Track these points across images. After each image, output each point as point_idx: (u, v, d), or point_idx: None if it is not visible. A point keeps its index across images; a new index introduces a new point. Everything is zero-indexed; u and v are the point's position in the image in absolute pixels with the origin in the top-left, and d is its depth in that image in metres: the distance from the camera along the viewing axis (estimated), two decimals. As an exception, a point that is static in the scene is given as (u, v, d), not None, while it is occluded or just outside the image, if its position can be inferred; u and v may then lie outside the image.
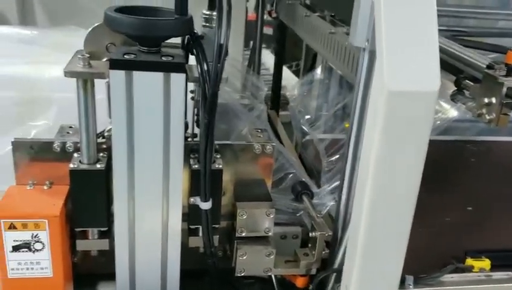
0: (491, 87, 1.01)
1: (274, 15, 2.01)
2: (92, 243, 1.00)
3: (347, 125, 1.46)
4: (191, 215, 1.01)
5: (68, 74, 0.85)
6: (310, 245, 1.10)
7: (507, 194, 1.50)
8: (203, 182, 0.94)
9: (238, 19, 1.86)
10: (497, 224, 1.39)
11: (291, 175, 1.29)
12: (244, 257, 1.04)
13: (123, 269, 0.98)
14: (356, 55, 1.20)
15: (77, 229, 0.98)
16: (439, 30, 1.62)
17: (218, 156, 1.01)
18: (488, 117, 1.01)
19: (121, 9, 0.87)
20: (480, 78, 1.06)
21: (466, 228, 1.37)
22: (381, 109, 0.79)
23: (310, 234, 1.08)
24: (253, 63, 2.12)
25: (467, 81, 1.09)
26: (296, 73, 2.87)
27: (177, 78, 0.86)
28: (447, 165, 1.44)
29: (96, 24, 0.95)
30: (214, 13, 0.93)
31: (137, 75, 0.84)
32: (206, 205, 0.97)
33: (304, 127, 1.75)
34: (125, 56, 0.85)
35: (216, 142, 1.02)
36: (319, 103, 2.06)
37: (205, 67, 0.86)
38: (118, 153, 0.89)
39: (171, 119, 0.89)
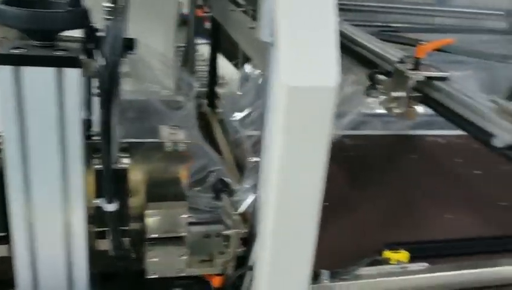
0: (399, 81, 1.02)
1: (206, 10, 1.98)
2: (-10, 250, 0.94)
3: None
4: (97, 217, 0.97)
5: None
6: (226, 243, 1.08)
7: (426, 188, 1.54)
8: (106, 182, 0.90)
9: (168, 14, 1.82)
10: (417, 217, 1.43)
11: (213, 173, 1.27)
12: (156, 259, 1.00)
13: (24, 274, 0.93)
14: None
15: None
16: (363, 26, 1.64)
17: (125, 155, 0.98)
18: (396, 111, 1.02)
19: (11, 1, 0.82)
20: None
21: (386, 221, 1.40)
22: (281, 104, 0.77)
23: (225, 232, 1.06)
24: (188, 60, 2.08)
25: (379, 75, 1.10)
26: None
27: (71, 74, 0.82)
28: (368, 160, 1.46)
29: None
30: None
31: (26, 70, 0.80)
32: (111, 207, 0.93)
33: (234, 124, 1.73)
34: (12, 50, 0.79)
35: (125, 140, 0.99)
36: (252, 99, 2.04)
37: (102, 62, 0.82)
38: (10, 155, 0.84)
39: (66, 117, 0.84)
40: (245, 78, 2.17)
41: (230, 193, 1.19)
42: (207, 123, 1.98)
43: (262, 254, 0.90)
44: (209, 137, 1.80)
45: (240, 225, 1.05)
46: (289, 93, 0.76)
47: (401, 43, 1.45)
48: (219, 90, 2.04)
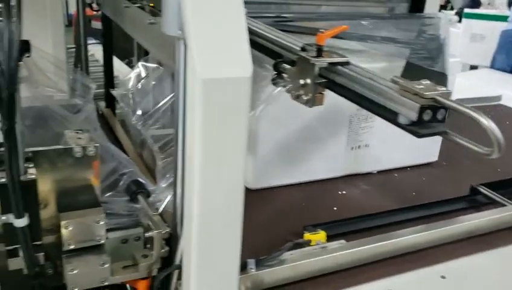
0: (304, 69, 1.05)
1: (96, 8, 1.90)
2: None
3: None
4: (6, 235, 0.89)
5: None
6: (148, 246, 1.05)
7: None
8: (13, 196, 0.83)
9: (55, 14, 1.72)
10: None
11: (125, 176, 1.23)
12: (75, 271, 0.95)
13: None
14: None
15: None
16: (261, 17, 1.67)
17: (30, 165, 0.91)
18: (305, 98, 1.06)
19: None
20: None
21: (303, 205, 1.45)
22: (196, 97, 0.77)
23: (147, 234, 1.03)
24: (80, 61, 1.99)
25: (284, 64, 1.13)
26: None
27: (-38, 81, 0.74)
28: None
29: None
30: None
31: None
32: (21, 222, 0.86)
33: (136, 125, 1.68)
34: None
35: (28, 149, 0.92)
36: (154, 97, 2.00)
37: (-4, 66, 0.75)
38: None
39: (-38, 129, 0.76)
40: (140, 77, 2.11)
41: (147, 194, 1.16)
42: (108, 125, 1.91)
43: (189, 252, 0.89)
44: (113, 139, 1.74)
45: (161, 226, 1.03)
46: (204, 86, 0.76)
47: (299, 33, 1.51)
48: (115, 90, 1.97)
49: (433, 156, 1.75)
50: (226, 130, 0.80)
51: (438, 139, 1.70)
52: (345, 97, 1.04)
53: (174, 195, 1.07)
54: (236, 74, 0.78)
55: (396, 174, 1.66)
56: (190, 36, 0.75)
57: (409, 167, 1.71)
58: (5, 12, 0.74)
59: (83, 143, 0.99)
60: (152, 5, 1.51)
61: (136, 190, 1.17)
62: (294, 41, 1.17)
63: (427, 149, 1.72)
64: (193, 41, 0.75)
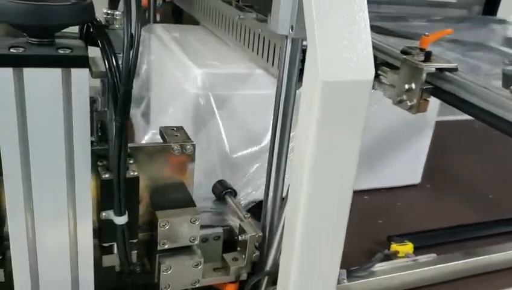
0: (410, 74, 1.00)
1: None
2: (-18, 277, 0.83)
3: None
4: (103, 231, 0.88)
5: None
6: (238, 249, 1.02)
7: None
8: (117, 193, 0.82)
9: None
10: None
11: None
12: (169, 271, 0.93)
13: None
14: (273, 43, 1.14)
15: (-39, 263, 0.81)
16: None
17: (131, 162, 0.89)
18: (409, 104, 1.00)
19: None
20: (396, 64, 1.05)
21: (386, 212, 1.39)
22: (316, 100, 0.72)
23: (240, 237, 1.00)
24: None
25: (383, 67, 1.07)
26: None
27: (79, 74, 0.72)
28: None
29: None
30: (117, 12, 0.82)
31: (29, 72, 0.70)
32: (121, 220, 0.85)
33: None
34: (11, 50, 0.69)
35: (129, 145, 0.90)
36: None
37: (114, 60, 0.74)
38: (9, 167, 0.74)
39: (74, 122, 0.75)
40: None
41: (234, 193, 1.14)
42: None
43: (289, 259, 0.86)
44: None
45: (254, 229, 1.00)
46: (326, 88, 0.71)
47: (385, 34, 1.45)
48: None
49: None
50: (342, 134, 0.76)
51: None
52: (453, 105, 0.97)
53: (265, 198, 1.04)
54: (358, 77, 0.73)
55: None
56: (313, 36, 0.71)
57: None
58: (125, 8, 0.72)
59: (180, 140, 0.97)
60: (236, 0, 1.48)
61: (224, 190, 1.15)
62: (392, 44, 1.11)
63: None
64: (317, 42, 0.71)
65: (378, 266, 1.07)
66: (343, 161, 0.78)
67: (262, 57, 1.20)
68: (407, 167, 1.52)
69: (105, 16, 0.84)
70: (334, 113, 0.74)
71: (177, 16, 2.07)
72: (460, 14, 2.66)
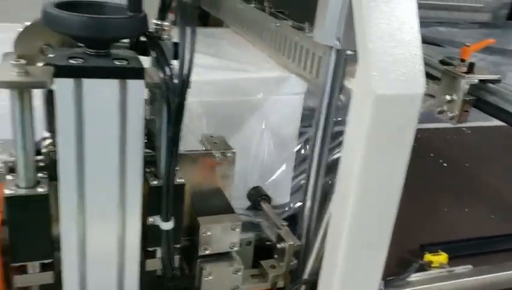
0: (451, 84, 1.00)
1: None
2: (34, 278, 0.85)
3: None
4: (149, 236, 0.90)
5: (1, 84, 0.70)
6: (276, 256, 1.04)
7: (454, 184, 1.54)
8: (165, 199, 0.83)
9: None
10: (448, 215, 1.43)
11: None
12: (210, 277, 0.95)
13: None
14: (311, 52, 1.15)
15: (15, 264, 0.83)
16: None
17: (177, 169, 0.91)
18: (450, 114, 1.01)
19: (61, 5, 0.73)
20: (435, 75, 1.05)
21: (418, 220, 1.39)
22: (367, 113, 0.73)
23: (279, 245, 1.01)
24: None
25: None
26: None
27: (135, 85, 0.74)
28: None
29: (28, 23, 0.80)
30: (166, 23, 0.83)
31: (87, 83, 0.72)
32: (167, 225, 0.86)
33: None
34: (71, 61, 0.71)
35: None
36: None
37: (168, 71, 0.75)
38: (65, 172, 0.76)
39: (128, 132, 0.77)
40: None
41: (269, 200, 1.15)
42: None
43: (330, 270, 0.87)
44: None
45: (292, 238, 1.01)
46: (378, 101, 0.72)
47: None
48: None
49: None
50: (392, 146, 0.76)
51: None
52: (496, 117, 0.98)
53: (303, 207, 1.05)
54: (410, 91, 0.74)
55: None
56: (366, 49, 0.72)
57: None
58: (179, 20, 0.73)
59: (221, 148, 0.99)
60: (269, 6, 1.49)
61: (258, 197, 1.16)
62: (431, 54, 1.12)
63: None
64: (370, 55, 0.72)
65: (414, 276, 1.07)
66: (391, 173, 0.79)
67: (299, 64, 1.21)
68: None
69: (154, 26, 0.85)
70: (384, 126, 0.75)
71: (203, 19, 2.09)
72: (483, 18, 2.62)
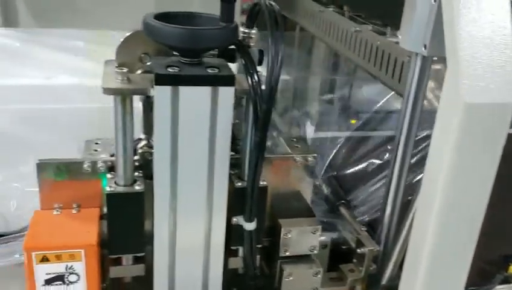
0: None
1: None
2: (127, 269, 0.92)
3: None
4: (232, 235, 0.94)
5: (107, 90, 0.76)
6: (354, 261, 1.04)
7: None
8: (249, 201, 0.87)
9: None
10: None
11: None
12: (290, 278, 0.97)
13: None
14: (393, 57, 1.14)
15: (112, 256, 0.90)
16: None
17: (260, 172, 0.95)
18: None
19: (158, 17, 0.79)
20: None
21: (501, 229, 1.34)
22: (455, 122, 0.73)
23: (358, 250, 1.02)
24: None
25: None
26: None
27: (226, 92, 0.79)
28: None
29: (129, 33, 0.86)
30: (252, 31, 0.87)
31: (183, 90, 0.77)
32: (251, 226, 0.90)
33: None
34: (169, 69, 0.77)
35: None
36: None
37: (256, 78, 0.79)
38: (160, 172, 0.82)
39: (217, 136, 0.82)
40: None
41: (348, 205, 1.16)
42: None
43: (411, 279, 0.86)
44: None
45: (371, 243, 1.02)
46: (468, 110, 0.71)
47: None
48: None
49: None
50: (480, 157, 0.75)
51: None
52: None
53: (383, 212, 1.05)
54: (501, 99, 0.72)
55: None
56: (455, 56, 0.71)
57: None
58: (269, 29, 0.76)
59: (302, 152, 1.01)
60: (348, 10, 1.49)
61: (337, 201, 1.17)
62: None
63: None
64: (460, 62, 0.71)
65: (498, 289, 1.04)
66: (478, 184, 0.77)
67: (381, 69, 1.20)
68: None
69: (242, 34, 0.89)
70: (473, 136, 0.74)
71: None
72: None
